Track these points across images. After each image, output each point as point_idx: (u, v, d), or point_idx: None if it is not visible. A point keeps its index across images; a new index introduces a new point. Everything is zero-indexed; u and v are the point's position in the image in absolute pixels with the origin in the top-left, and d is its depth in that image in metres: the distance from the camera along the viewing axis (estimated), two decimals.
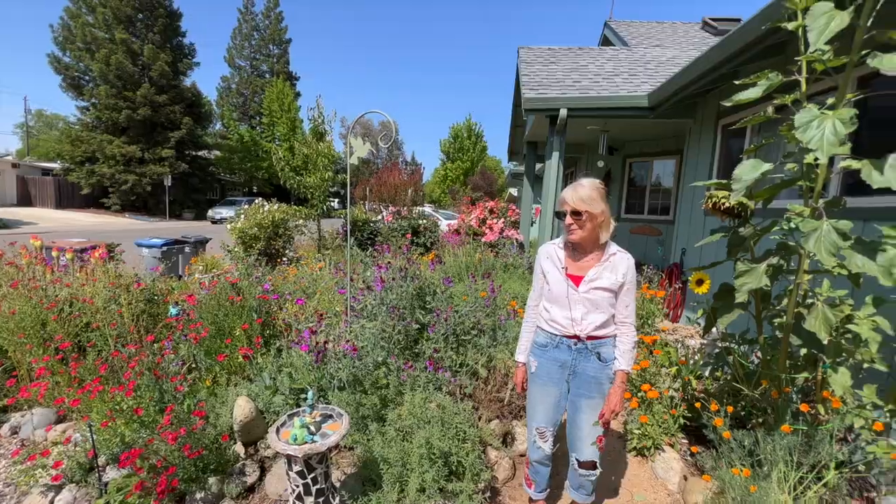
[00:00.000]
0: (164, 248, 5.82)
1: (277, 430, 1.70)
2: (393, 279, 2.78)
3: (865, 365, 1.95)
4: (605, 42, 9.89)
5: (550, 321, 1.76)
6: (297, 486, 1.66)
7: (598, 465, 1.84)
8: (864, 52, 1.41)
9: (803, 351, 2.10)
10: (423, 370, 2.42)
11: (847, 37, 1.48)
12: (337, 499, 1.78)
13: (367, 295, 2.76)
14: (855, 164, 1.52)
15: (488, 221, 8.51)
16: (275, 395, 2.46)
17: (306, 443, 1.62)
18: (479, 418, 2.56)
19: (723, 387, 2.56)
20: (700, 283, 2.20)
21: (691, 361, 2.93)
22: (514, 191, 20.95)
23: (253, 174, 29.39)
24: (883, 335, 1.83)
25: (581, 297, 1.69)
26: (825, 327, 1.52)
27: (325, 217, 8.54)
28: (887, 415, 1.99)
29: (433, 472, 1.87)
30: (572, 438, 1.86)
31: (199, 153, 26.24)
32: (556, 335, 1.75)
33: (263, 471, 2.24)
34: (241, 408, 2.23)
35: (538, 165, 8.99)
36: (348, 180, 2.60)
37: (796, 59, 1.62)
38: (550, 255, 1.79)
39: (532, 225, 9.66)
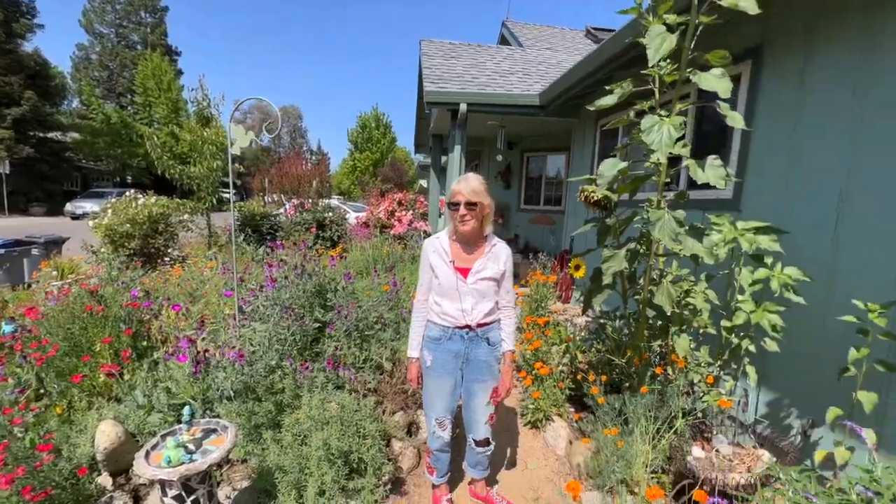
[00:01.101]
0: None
1: (147, 454, 1.52)
2: (286, 277, 2.64)
3: (701, 330, 2.37)
4: (503, 41, 10.36)
5: (442, 314, 1.80)
6: None
7: (490, 441, 1.97)
8: (688, 70, 1.68)
9: (659, 323, 2.47)
10: (321, 370, 2.35)
11: (679, 55, 1.76)
12: None
13: (258, 296, 2.57)
14: (688, 163, 1.81)
15: (397, 213, 8.48)
16: (150, 413, 2.19)
17: (183, 463, 1.48)
18: (384, 411, 2.57)
19: (600, 358, 2.90)
20: (577, 268, 2.46)
21: (578, 338, 3.27)
22: (424, 182, 21.13)
23: (126, 161, 25.32)
24: (712, 305, 2.23)
25: (470, 288, 1.75)
26: (669, 300, 1.80)
27: (218, 211, 7.75)
28: (717, 369, 2.44)
29: (332, 472, 1.83)
30: (469, 421, 1.96)
31: (50, 135, 21.90)
32: (449, 327, 1.80)
33: (138, 500, 2.00)
34: (105, 433, 1.95)
35: (443, 158, 9.15)
36: (230, 169, 2.38)
37: (642, 71, 1.87)
38: (437, 249, 1.81)
39: (440, 216, 9.85)
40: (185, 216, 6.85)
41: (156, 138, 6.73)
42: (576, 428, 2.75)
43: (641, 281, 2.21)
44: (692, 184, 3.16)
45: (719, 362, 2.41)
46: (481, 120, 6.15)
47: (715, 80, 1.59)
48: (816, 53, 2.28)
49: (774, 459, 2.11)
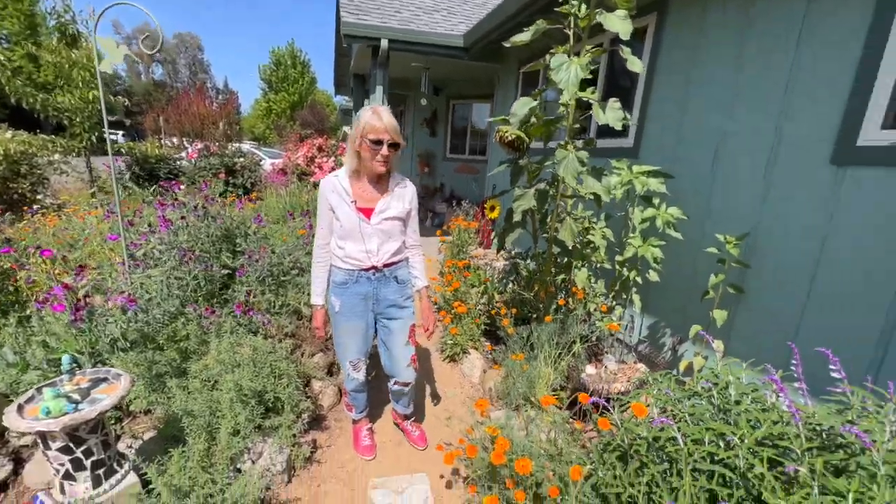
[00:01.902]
0: None
1: (20, 408, 1.37)
2: (183, 218, 2.39)
3: (598, 265, 2.63)
4: None
5: (346, 258, 1.73)
6: (63, 465, 1.40)
7: (413, 380, 1.98)
8: (596, 11, 1.73)
9: (564, 259, 2.69)
10: (230, 314, 2.23)
11: None
12: (125, 465, 1.57)
13: (150, 239, 2.32)
14: (594, 105, 1.91)
15: (317, 160, 7.99)
16: (25, 372, 1.95)
17: (67, 413, 1.35)
18: (303, 354, 2.55)
19: (513, 295, 3.11)
20: (493, 209, 2.55)
21: (495, 279, 3.47)
22: (348, 129, 19.99)
23: None
24: (609, 242, 2.46)
25: (374, 229, 1.69)
26: (570, 235, 1.96)
27: (103, 155, 6.65)
28: (610, 299, 2.75)
29: (246, 412, 1.81)
30: (389, 363, 1.94)
31: None
32: (355, 270, 1.74)
33: (20, 462, 1.82)
34: None
35: (366, 101, 8.66)
36: (101, 94, 2.01)
37: (556, 8, 1.89)
38: (336, 189, 1.69)
39: None
40: (57, 157, 5.82)
41: (3, 58, 5.45)
42: (489, 359, 2.98)
43: (549, 220, 2.36)
44: (601, 133, 3.36)
45: (612, 293, 2.72)
46: (405, 60, 5.86)
47: (618, 21, 1.66)
48: (709, 11, 2.46)
49: (649, 371, 2.51)
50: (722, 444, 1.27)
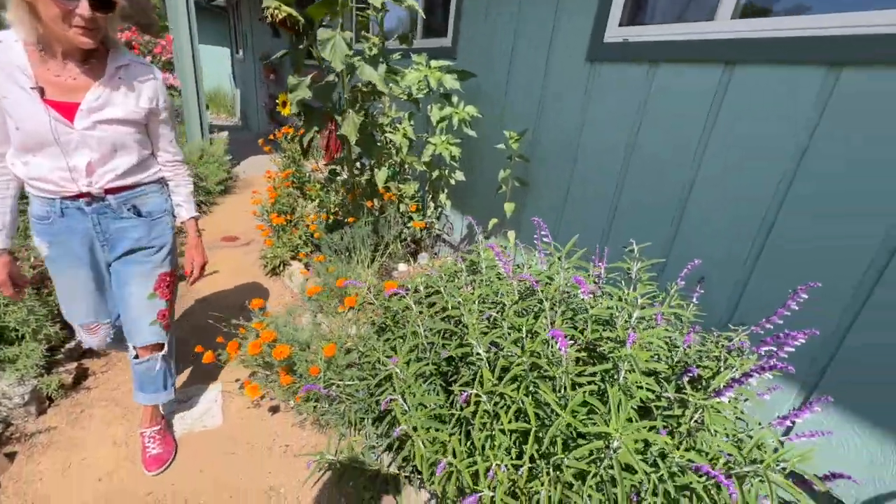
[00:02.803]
0: None
1: None
2: None
3: (409, 166, 2.65)
4: None
5: (34, 180, 1.18)
6: None
7: (165, 346, 1.48)
8: None
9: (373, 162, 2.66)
10: None
11: None
12: None
13: None
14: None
15: None
16: None
17: None
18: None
19: (333, 202, 3.05)
20: (284, 105, 2.33)
21: (321, 189, 3.33)
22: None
23: None
24: (411, 142, 2.47)
25: (82, 136, 1.15)
26: (352, 131, 1.89)
27: None
28: (428, 201, 2.86)
29: None
30: (127, 323, 1.42)
31: None
32: (55, 199, 1.22)
33: None
34: None
35: None
36: None
37: None
38: (3, 66, 1.07)
39: (195, 68, 7.96)
40: None
41: None
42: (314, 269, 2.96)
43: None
44: (429, 33, 3.22)
45: (430, 195, 2.82)
46: None
47: None
48: None
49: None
50: (451, 304, 1.44)
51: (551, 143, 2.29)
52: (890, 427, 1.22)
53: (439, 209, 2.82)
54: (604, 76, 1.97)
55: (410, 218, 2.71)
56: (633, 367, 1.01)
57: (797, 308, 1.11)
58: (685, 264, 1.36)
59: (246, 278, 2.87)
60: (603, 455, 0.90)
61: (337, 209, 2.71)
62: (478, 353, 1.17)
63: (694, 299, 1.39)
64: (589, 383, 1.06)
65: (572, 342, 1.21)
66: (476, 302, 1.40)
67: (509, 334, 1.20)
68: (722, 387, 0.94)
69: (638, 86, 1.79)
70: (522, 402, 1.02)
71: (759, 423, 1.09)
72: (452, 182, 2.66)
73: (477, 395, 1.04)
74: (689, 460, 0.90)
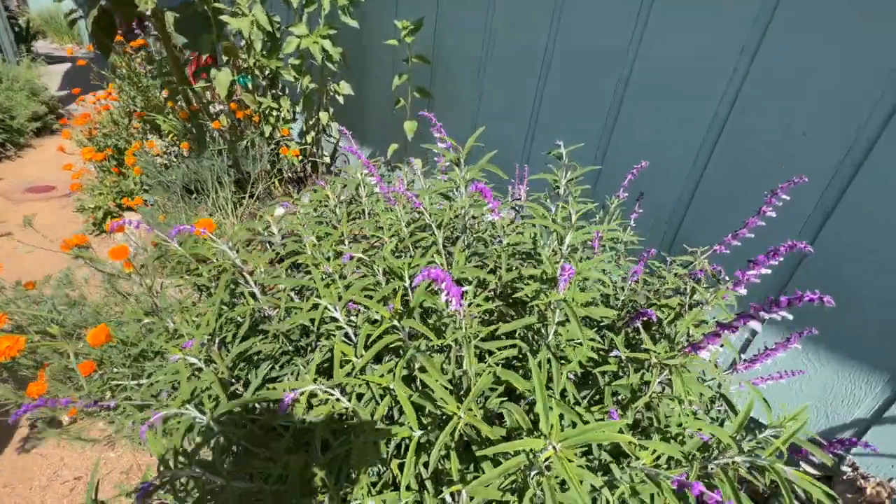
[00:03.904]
0: None
1: None
2: None
3: (269, 73, 1.99)
4: None
5: None
6: None
7: None
8: None
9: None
10: None
11: None
12: None
13: None
14: None
15: None
16: None
17: None
18: None
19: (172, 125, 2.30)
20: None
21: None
22: None
23: None
24: (269, 35, 1.81)
25: None
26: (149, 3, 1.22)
27: None
28: (306, 124, 2.24)
29: None
30: None
31: None
32: None
33: None
34: None
35: None
36: None
37: None
38: None
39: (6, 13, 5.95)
40: None
41: None
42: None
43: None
44: None
45: (311, 117, 2.20)
46: None
47: None
48: None
49: None
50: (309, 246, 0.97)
51: (457, 40, 1.79)
52: (848, 353, 1.03)
53: (319, 133, 2.22)
54: None
55: (285, 145, 2.08)
56: (567, 317, 0.64)
57: (774, 215, 0.80)
58: (620, 180, 1.01)
59: (55, 239, 2.09)
60: (527, 474, 0.53)
61: (176, 135, 2.00)
62: (333, 317, 0.73)
63: (631, 222, 1.06)
64: (506, 348, 0.67)
65: (480, 288, 0.81)
66: (339, 242, 0.94)
67: (385, 283, 0.77)
68: (702, 337, 0.59)
69: None
70: (393, 393, 0.60)
71: (717, 367, 0.81)
72: (339, 98, 2.07)
73: (311, 395, 0.61)
74: (656, 459, 0.56)
